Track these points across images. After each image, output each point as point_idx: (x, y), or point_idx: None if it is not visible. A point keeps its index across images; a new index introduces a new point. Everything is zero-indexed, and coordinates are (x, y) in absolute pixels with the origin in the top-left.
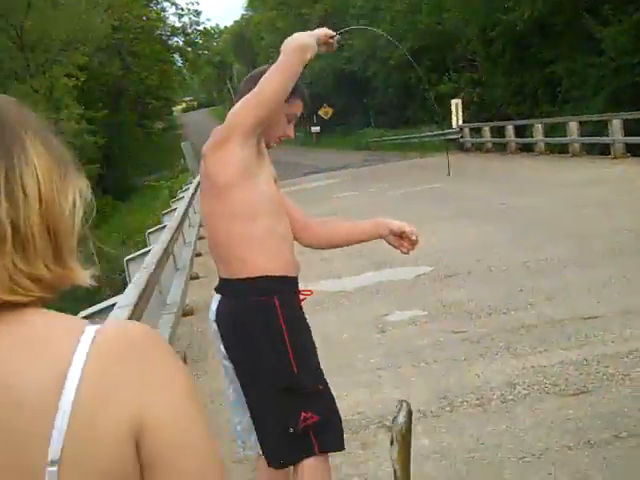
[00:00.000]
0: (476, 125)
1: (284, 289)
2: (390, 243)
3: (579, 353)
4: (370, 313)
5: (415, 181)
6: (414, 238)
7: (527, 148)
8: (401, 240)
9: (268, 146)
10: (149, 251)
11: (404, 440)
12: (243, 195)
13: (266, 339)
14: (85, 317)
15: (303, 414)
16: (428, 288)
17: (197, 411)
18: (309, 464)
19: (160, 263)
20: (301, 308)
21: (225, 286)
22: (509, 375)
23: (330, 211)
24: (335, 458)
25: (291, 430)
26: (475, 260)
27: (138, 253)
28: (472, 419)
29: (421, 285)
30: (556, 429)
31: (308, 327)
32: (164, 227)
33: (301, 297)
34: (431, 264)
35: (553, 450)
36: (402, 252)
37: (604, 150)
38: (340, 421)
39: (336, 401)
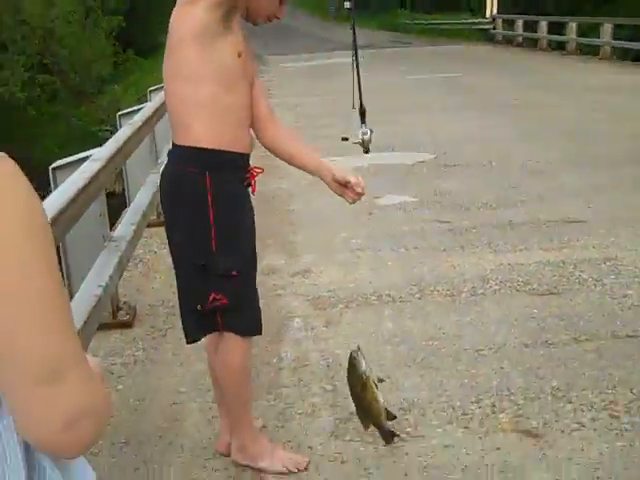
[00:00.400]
0: (509, 17)
1: (221, 164)
2: (333, 190)
3: (557, 255)
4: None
5: (435, 68)
6: (359, 190)
7: (559, 46)
8: (345, 189)
9: (255, 23)
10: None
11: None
12: (189, 55)
13: (190, 212)
14: (56, 168)
15: (213, 295)
16: (425, 175)
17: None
18: (227, 340)
19: (149, 122)
20: (246, 187)
21: (170, 151)
22: (484, 269)
23: (337, 89)
24: (297, 333)
25: (199, 307)
26: (477, 153)
27: (132, 109)
28: (439, 308)
29: (418, 172)
30: (518, 326)
31: (246, 208)
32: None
33: (252, 175)
34: (434, 152)
35: (510, 346)
36: (347, 201)
37: (638, 57)
38: (255, 309)
39: (257, 291)
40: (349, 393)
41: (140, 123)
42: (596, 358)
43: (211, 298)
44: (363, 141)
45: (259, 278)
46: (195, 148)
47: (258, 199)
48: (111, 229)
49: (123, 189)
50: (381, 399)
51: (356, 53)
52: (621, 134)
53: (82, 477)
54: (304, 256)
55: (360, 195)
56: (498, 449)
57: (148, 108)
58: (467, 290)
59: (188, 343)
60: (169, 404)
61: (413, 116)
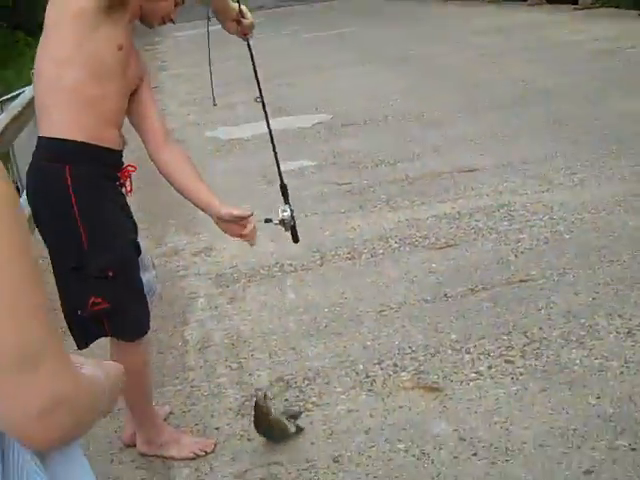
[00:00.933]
0: None
1: (82, 158)
2: (226, 232)
3: (453, 206)
4: (261, 163)
5: (330, 24)
6: (245, 224)
7: None
8: (235, 225)
9: (150, 25)
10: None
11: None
12: (62, 37)
13: (55, 210)
14: None
15: (92, 298)
16: (322, 137)
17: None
18: (118, 346)
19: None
20: (116, 184)
21: (36, 143)
22: (384, 229)
23: (234, 55)
24: (202, 313)
25: (79, 312)
26: (373, 109)
27: (14, 94)
28: (340, 273)
29: (315, 134)
30: (418, 283)
31: (117, 203)
32: None
33: (124, 174)
34: (330, 112)
35: (410, 304)
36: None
37: None
38: (140, 309)
39: (141, 289)
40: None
41: (19, 109)
42: (491, 306)
43: (90, 302)
44: (284, 221)
45: (162, 260)
46: (56, 139)
47: (159, 179)
48: None
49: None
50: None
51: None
52: (507, 77)
53: None
54: (205, 234)
55: (251, 234)
56: (400, 407)
57: (30, 91)
58: (367, 251)
59: (79, 349)
60: None
61: (308, 77)
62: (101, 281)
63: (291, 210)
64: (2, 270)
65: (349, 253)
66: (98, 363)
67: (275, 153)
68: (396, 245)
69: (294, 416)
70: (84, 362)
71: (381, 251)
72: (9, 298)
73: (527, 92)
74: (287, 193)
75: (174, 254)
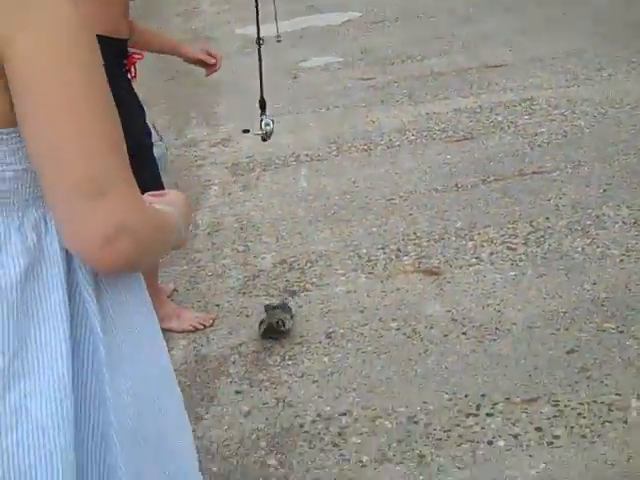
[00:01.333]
0: None
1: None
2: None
3: (475, 101)
4: (288, 59)
5: None
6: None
7: None
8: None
9: None
10: None
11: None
12: None
13: None
14: None
15: None
16: (351, 34)
17: (74, 65)
18: None
19: None
20: (124, 71)
21: None
22: (402, 122)
23: None
24: (214, 199)
25: None
26: (405, 6)
27: None
28: (354, 162)
29: (345, 31)
30: (430, 173)
31: (132, 92)
32: None
33: (130, 60)
34: (360, 10)
35: (420, 192)
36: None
37: None
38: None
39: (158, 174)
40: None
41: None
42: (500, 197)
43: None
44: (266, 133)
45: (181, 150)
46: None
47: (183, 72)
48: None
49: None
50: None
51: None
52: None
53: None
54: (225, 126)
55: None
56: (398, 289)
57: None
58: (384, 143)
59: None
60: None
61: None
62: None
63: (272, 121)
64: (84, 99)
65: (365, 145)
66: (163, 198)
67: (260, 63)
68: (413, 137)
69: (291, 294)
70: (153, 201)
71: (397, 143)
72: (84, 126)
73: None
74: (265, 107)
75: (193, 145)
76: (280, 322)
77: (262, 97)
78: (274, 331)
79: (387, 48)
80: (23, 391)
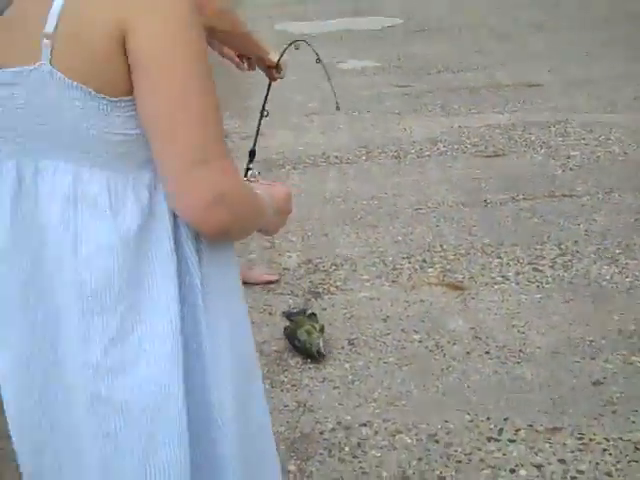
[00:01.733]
0: None
1: None
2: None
3: (510, 118)
4: (325, 59)
5: None
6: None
7: None
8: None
9: None
10: None
11: None
12: None
13: None
14: None
15: None
16: (391, 40)
17: (188, 45)
18: None
19: None
20: None
21: None
22: (435, 132)
23: None
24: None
25: None
26: (447, 17)
27: None
28: (383, 169)
29: (385, 37)
30: (459, 187)
31: None
32: None
33: None
34: (403, 17)
35: (448, 205)
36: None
37: None
38: None
39: None
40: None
41: None
42: (529, 216)
43: None
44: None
45: None
46: None
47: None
48: None
49: None
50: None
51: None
52: None
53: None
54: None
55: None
56: (422, 301)
57: None
58: (414, 152)
59: None
60: None
61: None
62: None
63: (258, 173)
64: (198, 80)
65: (396, 152)
66: (267, 187)
67: (259, 123)
68: (444, 149)
69: (315, 295)
70: (256, 186)
71: (427, 153)
72: (200, 104)
73: (610, 13)
74: (254, 157)
75: (224, 136)
76: (319, 352)
77: (254, 148)
78: (310, 355)
79: (425, 57)
80: (140, 335)
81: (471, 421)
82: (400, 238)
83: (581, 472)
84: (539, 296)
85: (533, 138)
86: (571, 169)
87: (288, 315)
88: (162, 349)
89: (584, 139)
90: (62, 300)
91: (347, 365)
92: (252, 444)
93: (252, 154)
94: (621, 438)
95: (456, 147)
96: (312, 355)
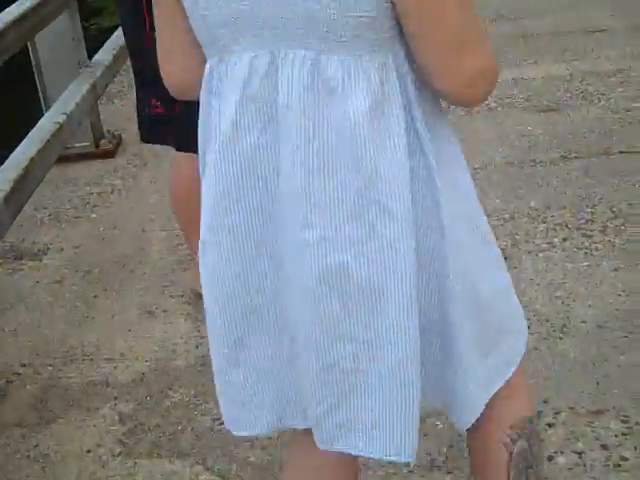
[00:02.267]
0: None
1: None
2: None
3: (567, 67)
4: None
5: None
6: None
7: None
8: None
9: None
10: None
11: None
12: None
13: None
14: None
15: (154, 100)
16: None
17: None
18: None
19: None
20: None
21: None
22: None
23: None
24: None
25: (147, 110)
26: None
27: None
28: None
29: None
30: (508, 145)
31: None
32: None
33: None
34: None
35: (494, 165)
36: None
37: None
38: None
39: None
40: None
41: None
42: (581, 176)
43: (153, 103)
44: None
45: None
46: None
47: None
48: None
49: None
50: None
51: None
52: None
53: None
54: None
55: None
56: None
57: None
58: (461, 108)
59: (142, 140)
60: (138, 232)
61: None
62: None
63: None
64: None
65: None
66: None
67: None
68: (494, 105)
69: None
70: None
71: (476, 109)
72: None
73: None
74: None
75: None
76: None
77: None
78: None
79: (479, 3)
80: (376, 212)
81: None
82: None
83: (625, 459)
84: (586, 264)
85: (591, 89)
86: (630, 123)
87: None
88: (398, 230)
89: None
90: (286, 185)
91: None
92: (489, 310)
93: None
94: None
95: (507, 102)
96: None
